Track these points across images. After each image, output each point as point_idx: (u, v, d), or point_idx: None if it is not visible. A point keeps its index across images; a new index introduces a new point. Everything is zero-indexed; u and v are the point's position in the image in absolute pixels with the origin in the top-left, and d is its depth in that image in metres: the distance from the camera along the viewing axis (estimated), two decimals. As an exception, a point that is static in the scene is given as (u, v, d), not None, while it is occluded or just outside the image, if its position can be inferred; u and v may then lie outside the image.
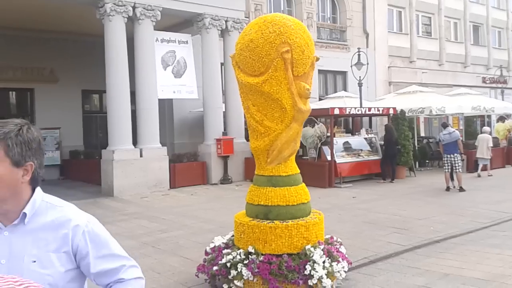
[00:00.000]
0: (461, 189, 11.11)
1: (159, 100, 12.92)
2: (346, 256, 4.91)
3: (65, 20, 14.00)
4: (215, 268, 4.77)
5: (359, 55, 15.92)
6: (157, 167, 12.28)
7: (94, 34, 13.78)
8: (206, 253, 5.13)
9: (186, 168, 13.08)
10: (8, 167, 1.48)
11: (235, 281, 4.51)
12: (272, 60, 4.73)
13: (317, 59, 5.17)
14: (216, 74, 13.98)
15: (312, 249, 4.54)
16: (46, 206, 1.58)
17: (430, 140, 18.15)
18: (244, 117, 14.30)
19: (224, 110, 14.28)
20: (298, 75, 4.88)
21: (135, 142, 12.36)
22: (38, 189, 1.59)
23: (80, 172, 14.79)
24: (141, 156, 12.10)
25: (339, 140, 13.44)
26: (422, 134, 20.53)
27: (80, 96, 16.89)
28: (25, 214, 1.54)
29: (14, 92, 16.71)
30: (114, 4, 11.74)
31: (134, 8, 12.12)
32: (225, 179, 13.58)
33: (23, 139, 1.50)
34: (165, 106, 15.59)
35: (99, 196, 11.58)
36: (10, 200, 1.52)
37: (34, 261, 1.53)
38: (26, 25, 14.36)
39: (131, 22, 12.35)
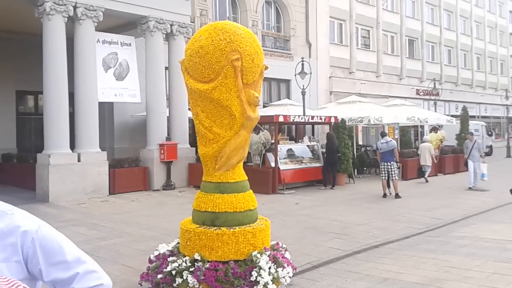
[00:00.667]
0: (397, 196, 11.64)
1: (99, 103, 12.50)
2: (291, 261, 4.99)
3: (0, 17, 13.23)
4: (159, 276, 4.68)
5: (302, 64, 16.30)
6: (96, 172, 11.85)
7: (31, 32, 13.13)
8: (150, 261, 5.02)
9: (127, 173, 12.72)
10: None
11: (181, 289, 4.44)
12: (222, 67, 4.74)
13: (266, 67, 5.25)
14: (160, 78, 13.76)
15: (258, 255, 4.57)
16: None
17: (368, 148, 18.90)
18: (189, 123, 14.35)
19: (168, 115, 14.06)
20: (248, 83, 4.92)
21: (72, 146, 11.85)
22: None
23: (13, 176, 13.96)
24: (79, 160, 11.62)
25: (283, 147, 13.66)
26: (360, 143, 21.33)
27: (14, 97, 15.98)
28: None
29: None
30: (54, 3, 11.25)
31: (75, 8, 11.68)
32: (168, 185, 13.36)
33: None
34: (105, 109, 15.10)
35: (33, 202, 10.99)
36: None
37: None
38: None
39: (72, 22, 11.90)
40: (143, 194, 12.42)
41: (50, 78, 11.42)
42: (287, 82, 20.97)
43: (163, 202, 11.23)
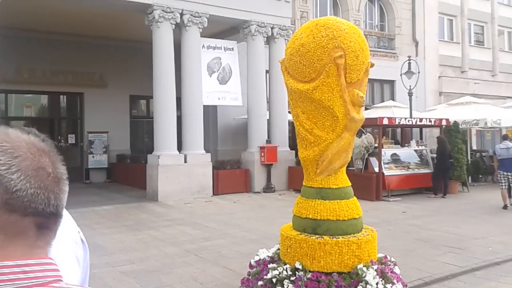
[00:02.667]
0: (520, 208, 10.38)
1: (204, 106, 12.92)
2: (401, 277, 4.57)
3: (115, 27, 14.31)
4: (260, 283, 4.55)
5: (409, 63, 15.37)
6: (200, 173, 12.25)
7: (142, 40, 14.00)
8: (251, 266, 4.92)
9: (229, 175, 12.98)
10: None
11: (281, 298, 4.27)
12: (324, 66, 4.48)
13: (372, 65, 4.89)
14: (261, 82, 13.86)
15: (364, 268, 4.23)
16: None
17: (484, 154, 17.23)
18: (289, 125, 14.27)
19: (268, 117, 14.12)
20: (352, 81, 4.61)
21: (179, 148, 12.39)
22: None
23: (127, 175, 15.00)
24: (185, 161, 12.11)
25: (387, 151, 12.95)
26: (475, 147, 19.57)
27: (128, 101, 17.21)
28: None
29: (65, 96, 17.25)
30: (163, 11, 11.86)
31: (181, 15, 12.21)
32: (268, 188, 13.38)
33: None
34: (210, 112, 15.62)
35: (144, 200, 11.65)
36: None
37: None
38: (77, 31, 14.79)
39: (179, 29, 12.45)
40: (244, 196, 12.57)
41: (159, 83, 12.05)
42: (391, 83, 20.00)
43: (263, 205, 11.24)
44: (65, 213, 1.37)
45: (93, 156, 15.92)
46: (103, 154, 16.06)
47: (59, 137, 16.72)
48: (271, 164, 13.40)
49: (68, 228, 1.36)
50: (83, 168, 16.10)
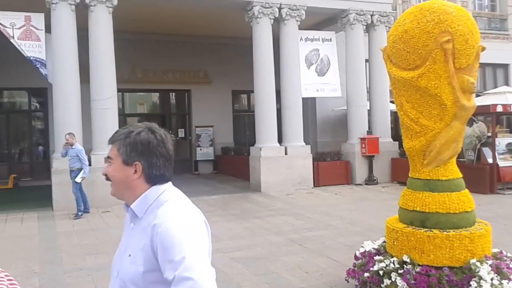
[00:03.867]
0: None
1: (303, 98, 13.02)
2: (519, 274, 4.29)
3: (217, 25, 14.96)
4: (366, 274, 4.57)
5: (527, 43, 13.99)
6: (301, 165, 12.40)
7: (243, 37, 14.44)
8: (356, 258, 4.95)
9: (330, 167, 12.96)
10: (119, 164, 1.63)
11: (388, 291, 4.25)
12: (430, 52, 4.33)
13: (483, 49, 4.60)
14: (361, 71, 13.59)
15: (478, 263, 4.05)
16: (157, 204, 1.60)
17: None
18: (391, 116, 13.82)
19: (368, 108, 13.81)
20: (461, 67, 4.40)
21: (280, 140, 12.65)
22: (154, 188, 1.64)
23: (231, 167, 15.69)
24: (286, 153, 12.34)
25: (501, 141, 11.97)
26: None
27: (231, 96, 17.91)
28: (131, 209, 1.63)
29: (173, 93, 18.47)
30: (262, 6, 12.15)
31: (280, 9, 12.39)
32: (370, 180, 13.12)
33: (130, 141, 1.64)
34: (308, 104, 15.68)
35: (247, 191, 12.11)
36: (126, 195, 1.65)
37: (129, 255, 1.59)
38: (183, 31, 15.68)
39: (277, 23, 12.66)
40: (345, 188, 12.49)
41: (259, 77, 12.39)
42: (505, 67, 18.39)
43: (365, 197, 11.08)
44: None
45: (200, 149, 16.88)
46: (210, 147, 16.95)
47: (170, 132, 17.91)
48: (373, 156, 13.11)
49: (197, 212, 1.60)
50: (192, 160, 17.13)
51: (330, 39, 13.81)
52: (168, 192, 1.64)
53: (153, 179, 1.64)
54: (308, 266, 5.79)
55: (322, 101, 15.67)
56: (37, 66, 10.62)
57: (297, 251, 6.47)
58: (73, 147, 9.38)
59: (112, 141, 1.69)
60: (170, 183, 1.70)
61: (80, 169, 9.33)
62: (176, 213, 1.55)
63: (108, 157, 1.68)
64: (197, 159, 16.91)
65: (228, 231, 7.67)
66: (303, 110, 13.08)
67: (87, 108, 10.79)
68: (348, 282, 4.84)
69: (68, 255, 6.49)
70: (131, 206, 1.62)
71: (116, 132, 1.71)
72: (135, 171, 1.62)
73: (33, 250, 6.77)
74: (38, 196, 11.42)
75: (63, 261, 6.18)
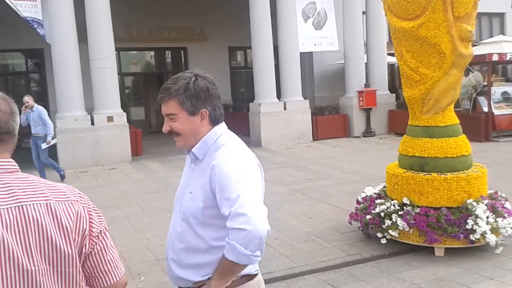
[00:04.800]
0: None
1: (300, 53, 13.02)
2: (512, 212, 4.58)
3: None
4: (368, 216, 4.85)
5: (525, -9, 13.90)
6: (300, 119, 12.59)
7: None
8: (358, 202, 5.23)
9: (328, 120, 13.16)
10: (185, 117, 1.73)
11: (390, 231, 4.54)
12: (430, 1, 4.44)
13: (481, -3, 4.71)
14: (357, 24, 13.52)
15: (474, 203, 4.32)
16: (215, 147, 1.75)
17: None
18: (388, 68, 13.89)
19: (366, 61, 13.86)
20: (459, 16, 4.52)
21: (279, 96, 12.76)
22: (214, 130, 1.78)
23: (230, 124, 15.34)
24: (285, 109, 12.50)
25: (497, 90, 12.14)
26: None
27: (227, 53, 17.81)
28: (193, 152, 1.77)
29: (169, 51, 18.33)
30: (257, -42, 11.93)
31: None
32: (368, 132, 13.36)
33: (192, 92, 1.72)
34: (305, 59, 15.66)
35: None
36: (193, 142, 1.78)
37: (190, 193, 1.76)
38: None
39: (273, -25, 12.47)
40: (344, 141, 12.74)
41: (257, 33, 12.33)
42: (501, 16, 18.29)
43: (364, 149, 11.34)
44: (241, 147, 1.73)
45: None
46: (207, 105, 17.03)
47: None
48: (370, 108, 13.29)
49: (252, 155, 1.79)
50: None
51: (327, -9, 13.65)
52: (225, 135, 1.79)
53: (216, 120, 1.79)
54: (312, 212, 6.09)
55: (319, 56, 15.64)
56: (34, 26, 10.53)
57: (301, 199, 6.76)
58: (33, 109, 8.58)
59: (168, 97, 1.72)
60: (225, 126, 1.84)
61: (45, 135, 8.59)
62: (232, 155, 1.69)
63: (170, 113, 1.74)
64: (196, 117, 17.04)
65: (232, 184, 7.93)
66: (300, 65, 13.11)
67: (86, 68, 10.79)
68: (351, 224, 5.14)
69: (81, 209, 6.75)
70: (193, 150, 1.77)
71: (167, 88, 1.73)
72: (202, 118, 1.74)
73: (46, 206, 7.03)
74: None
75: (77, 215, 6.45)
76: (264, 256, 4.60)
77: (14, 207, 1.13)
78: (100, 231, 1.28)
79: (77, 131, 10.29)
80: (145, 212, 6.47)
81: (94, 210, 1.30)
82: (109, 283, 1.29)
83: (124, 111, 10.98)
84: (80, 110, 10.51)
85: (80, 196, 1.28)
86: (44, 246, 1.14)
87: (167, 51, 18.32)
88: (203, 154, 1.76)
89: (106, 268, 1.28)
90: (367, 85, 13.48)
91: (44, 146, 8.55)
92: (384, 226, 4.64)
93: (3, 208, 1.11)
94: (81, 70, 10.66)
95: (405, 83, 4.96)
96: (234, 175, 1.63)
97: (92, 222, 1.26)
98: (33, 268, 1.12)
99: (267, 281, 4.05)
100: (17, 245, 1.11)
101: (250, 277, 1.81)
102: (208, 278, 1.72)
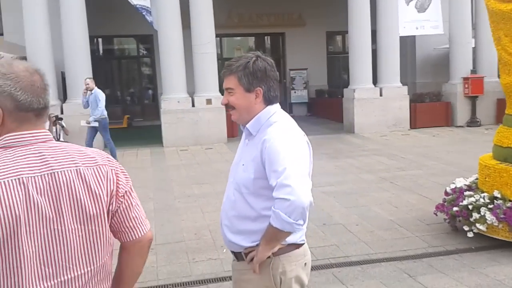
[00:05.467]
0: None
1: (401, 37, 12.52)
2: None
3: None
4: (455, 208, 4.68)
5: None
6: (397, 106, 12.18)
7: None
8: (446, 193, 5.05)
9: (428, 108, 12.56)
10: (242, 93, 1.89)
11: (477, 224, 4.35)
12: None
13: None
14: (465, 6, 12.63)
15: None
16: (267, 124, 1.89)
17: None
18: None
19: (473, 46, 12.91)
20: None
21: (375, 81, 12.45)
22: (268, 108, 1.92)
23: (325, 109, 15.83)
24: (381, 95, 12.17)
25: None
26: None
27: (325, 38, 17.68)
28: (247, 128, 1.93)
29: (268, 37, 18.68)
30: None
31: None
32: (473, 122, 12.52)
33: (250, 70, 1.87)
34: (407, 43, 15.01)
35: (341, 132, 12.27)
36: (247, 118, 1.93)
37: (243, 165, 1.92)
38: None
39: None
40: (444, 130, 12.09)
41: (354, 17, 12.08)
42: None
43: (466, 139, 10.69)
44: (290, 124, 1.89)
45: (295, 92, 17.17)
46: (304, 90, 17.15)
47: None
48: (476, 97, 12.40)
49: (301, 133, 1.92)
50: (286, 102, 17.50)
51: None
52: (277, 114, 1.94)
53: (271, 100, 1.94)
54: (398, 201, 5.98)
55: (422, 40, 14.88)
56: (143, 13, 11.42)
57: (388, 188, 6.65)
58: (92, 92, 8.65)
59: (229, 73, 1.90)
60: (279, 105, 1.99)
61: (104, 118, 8.71)
62: (282, 133, 1.83)
63: (228, 88, 1.93)
64: (291, 101, 17.24)
65: (320, 169, 8.00)
66: (401, 50, 12.62)
67: (189, 53, 11.45)
68: (436, 215, 4.99)
69: (178, 184, 7.35)
70: (247, 125, 1.94)
71: (229, 65, 1.92)
72: (256, 96, 1.90)
73: (147, 180, 7.75)
74: (150, 135, 12.64)
75: (174, 189, 7.03)
76: (343, 240, 4.71)
77: (47, 174, 1.25)
78: (126, 191, 1.40)
79: (179, 112, 11.05)
80: (234, 190, 6.83)
81: (122, 171, 1.42)
82: (133, 238, 1.43)
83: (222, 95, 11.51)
84: (183, 92, 11.24)
85: (108, 160, 1.40)
86: (74, 208, 1.27)
87: (266, 37, 18.68)
88: (256, 130, 1.91)
89: (130, 225, 1.41)
90: (473, 71, 12.59)
91: (82, 123, 8.77)
92: (471, 219, 4.45)
93: (37, 175, 1.24)
94: (184, 55, 11.36)
95: (503, 70, 4.68)
96: (282, 150, 1.77)
97: (118, 183, 1.38)
98: (63, 228, 1.26)
99: (342, 265, 4.16)
100: (50, 208, 1.24)
101: (297, 246, 1.94)
102: (257, 245, 1.89)
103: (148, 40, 16.37)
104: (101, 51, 17.40)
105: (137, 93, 17.71)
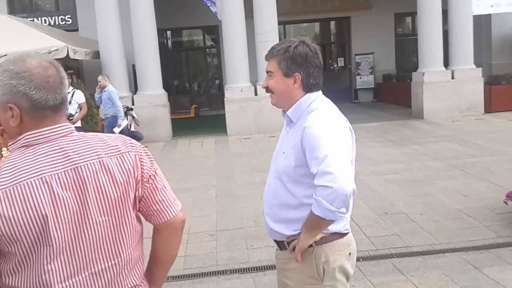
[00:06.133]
0: None
1: (475, 17, 11.73)
2: None
3: None
4: (528, 197, 4.38)
5: None
6: (470, 89, 11.48)
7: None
8: (519, 181, 4.72)
9: (505, 91, 11.69)
10: (280, 77, 1.88)
11: (553, 214, 4.04)
12: None
13: None
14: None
15: None
16: (308, 111, 1.86)
17: None
18: None
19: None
20: None
21: (446, 64, 11.80)
22: (308, 95, 1.88)
23: (392, 94, 15.27)
24: (452, 78, 11.52)
25: None
26: None
27: (393, 20, 16.95)
28: (287, 115, 1.91)
29: (333, 22, 18.29)
30: None
31: None
32: (557, 104, 11.51)
33: (290, 55, 1.84)
34: (482, 23, 14.05)
35: (409, 118, 11.78)
36: (286, 103, 1.92)
37: (283, 153, 1.90)
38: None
39: None
40: (524, 114, 11.26)
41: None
42: None
43: (548, 123, 9.88)
44: (328, 107, 1.87)
45: (360, 77, 16.69)
46: (370, 75, 16.62)
47: (329, 61, 18.08)
48: (561, 76, 11.39)
49: (343, 119, 1.88)
50: (351, 88, 17.11)
51: None
52: (318, 100, 1.90)
53: (310, 87, 1.90)
54: (467, 189, 5.69)
55: (499, 18, 13.81)
56: (208, 4, 11.65)
57: (457, 175, 6.34)
58: (105, 89, 8.55)
59: (270, 56, 1.90)
60: (320, 92, 1.95)
61: (115, 116, 8.55)
62: (323, 119, 1.80)
63: (269, 71, 1.93)
64: (357, 87, 16.79)
65: (384, 156, 7.80)
66: (475, 29, 11.84)
67: (252, 43, 11.52)
68: (507, 204, 4.69)
69: (240, 172, 7.48)
70: (287, 112, 1.92)
71: (272, 48, 1.92)
72: (295, 81, 1.87)
73: (211, 168, 7.96)
74: (215, 124, 12.94)
75: (235, 177, 7.17)
76: (405, 230, 4.58)
77: (70, 169, 1.25)
78: (150, 175, 1.39)
79: (242, 101, 11.19)
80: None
81: (146, 154, 1.40)
82: (163, 220, 1.43)
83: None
84: (245, 81, 11.35)
85: (131, 146, 1.38)
86: (100, 201, 1.28)
87: (331, 21, 18.29)
88: (297, 117, 1.89)
89: (158, 207, 1.41)
90: (559, 49, 11.54)
91: (116, 130, 8.40)
92: (547, 209, 4.15)
93: (60, 172, 1.23)
94: (248, 45, 11.44)
95: None
96: (323, 136, 1.74)
97: (143, 168, 1.37)
98: (90, 221, 1.27)
99: (403, 255, 4.06)
100: (76, 202, 1.24)
101: (341, 235, 1.91)
102: (299, 233, 1.87)
103: (214, 31, 16.63)
104: (169, 44, 17.98)
105: (204, 84, 18.13)
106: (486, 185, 5.81)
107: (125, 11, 11.43)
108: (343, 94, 16.55)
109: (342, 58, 17.82)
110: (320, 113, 1.84)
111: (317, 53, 1.90)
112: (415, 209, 5.14)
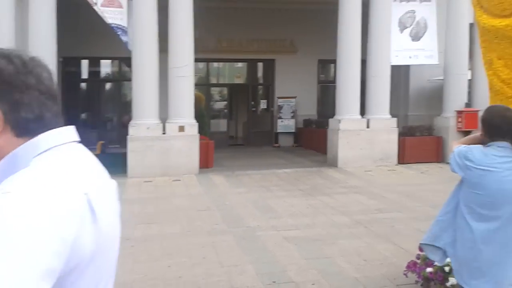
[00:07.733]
0: None
1: (394, 67, 11.82)
2: None
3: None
4: (428, 269, 3.81)
5: None
6: (384, 139, 11.35)
7: (329, 1, 13.44)
8: (420, 249, 4.16)
9: (418, 142, 11.72)
10: None
11: (454, 293, 3.47)
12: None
13: None
14: (463, 36, 11.95)
15: None
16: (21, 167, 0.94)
17: None
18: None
19: (469, 77, 12.20)
20: None
21: (363, 112, 11.67)
22: (32, 143, 0.99)
23: (311, 140, 15.01)
24: (368, 127, 11.37)
25: None
26: None
27: (316, 66, 17.03)
28: None
29: (259, 63, 18.04)
30: (348, -35, 11.08)
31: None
32: (466, 158, 11.66)
33: None
34: (401, 74, 14.32)
35: (324, 165, 11.39)
36: None
37: None
38: (269, -2, 15.01)
39: (366, -17, 11.51)
40: (434, 167, 11.22)
41: (343, 44, 11.42)
42: None
43: (456, 178, 9.79)
44: None
45: (282, 121, 16.35)
46: (291, 119, 16.36)
47: (252, 103, 17.67)
48: (470, 131, 11.58)
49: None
50: (272, 132, 16.72)
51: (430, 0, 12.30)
52: (50, 153, 0.97)
53: (25, 126, 0.99)
54: (369, 252, 5.09)
55: (417, 70, 14.20)
56: (118, 33, 10.76)
57: (361, 234, 5.77)
58: None
59: None
60: (68, 135, 1.04)
61: None
62: (22, 188, 0.88)
63: None
64: (278, 131, 16.42)
65: (290, 208, 7.14)
66: (394, 81, 11.90)
67: (166, 78, 10.71)
68: (407, 277, 4.10)
69: (121, 223, 6.44)
70: None
71: None
72: None
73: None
74: (118, 163, 11.78)
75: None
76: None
77: None
78: None
79: (148, 140, 10.23)
80: (183, 232, 5.93)
81: None
82: None
83: (196, 122, 10.72)
84: (153, 118, 10.45)
85: None
86: None
87: (258, 63, 18.05)
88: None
89: None
90: (468, 104, 11.84)
91: None
92: (448, 285, 3.58)
93: None
94: (161, 81, 10.62)
95: (493, 99, 3.86)
96: None
97: None
98: None
99: None
100: None
101: None
102: None
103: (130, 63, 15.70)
104: (86, 73, 16.79)
105: (115, 118, 16.89)
106: (390, 247, 5.25)
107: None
108: (264, 137, 16.12)
109: (265, 100, 17.49)
110: (28, 177, 0.91)
111: (29, 67, 1.00)
112: (307, 277, 4.42)
